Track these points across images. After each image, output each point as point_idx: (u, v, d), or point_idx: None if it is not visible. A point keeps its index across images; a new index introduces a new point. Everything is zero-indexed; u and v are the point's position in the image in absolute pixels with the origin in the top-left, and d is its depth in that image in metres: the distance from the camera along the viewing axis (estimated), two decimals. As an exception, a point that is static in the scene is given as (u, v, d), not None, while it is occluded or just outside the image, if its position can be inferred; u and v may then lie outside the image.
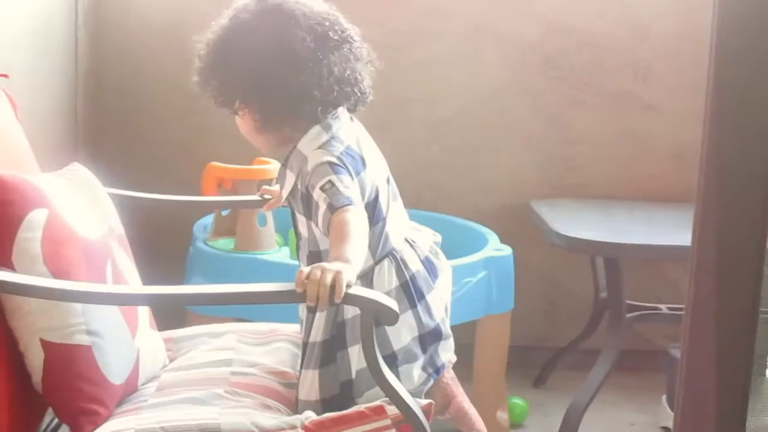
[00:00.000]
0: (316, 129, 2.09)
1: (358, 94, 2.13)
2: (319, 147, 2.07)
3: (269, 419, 1.95)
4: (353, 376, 2.07)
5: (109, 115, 3.73)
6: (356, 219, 1.95)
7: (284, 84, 2.06)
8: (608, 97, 3.72)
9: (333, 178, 2.00)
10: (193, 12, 3.56)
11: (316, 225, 2.05)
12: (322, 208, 1.98)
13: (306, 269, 1.80)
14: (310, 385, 2.08)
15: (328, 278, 1.77)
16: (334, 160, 2.04)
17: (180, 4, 3.63)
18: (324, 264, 1.81)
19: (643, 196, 3.70)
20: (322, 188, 1.99)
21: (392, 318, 1.85)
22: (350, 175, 2.03)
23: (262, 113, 2.11)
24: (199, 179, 3.08)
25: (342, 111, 2.14)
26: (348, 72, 2.10)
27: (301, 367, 2.12)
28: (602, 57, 3.69)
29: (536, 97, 3.72)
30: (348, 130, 2.13)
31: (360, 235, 1.93)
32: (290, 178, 2.12)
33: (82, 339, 1.97)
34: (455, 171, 3.74)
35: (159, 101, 3.67)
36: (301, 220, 2.14)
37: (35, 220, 1.96)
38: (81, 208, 2.13)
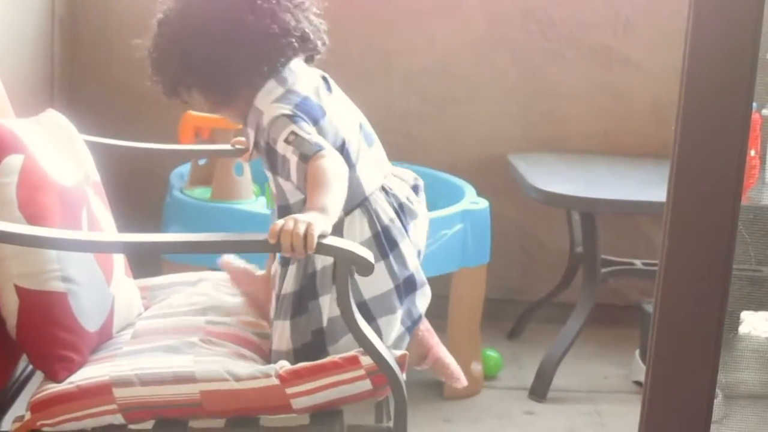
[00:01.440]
0: (271, 83, 2.08)
1: (310, 44, 2.11)
2: (275, 101, 2.06)
3: (244, 368, 1.95)
4: (324, 324, 2.07)
5: (86, 62, 3.70)
6: (332, 164, 1.94)
7: (217, 62, 2.05)
8: (587, 51, 3.71)
9: (294, 128, 1.99)
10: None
11: (285, 179, 2.04)
12: (293, 160, 1.97)
13: (280, 221, 1.80)
14: (281, 335, 2.08)
15: (301, 229, 1.77)
16: (289, 111, 2.02)
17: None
18: (297, 215, 1.81)
19: (620, 150, 3.71)
20: (286, 141, 1.98)
21: (367, 269, 1.85)
22: (308, 123, 2.01)
23: (211, 93, 2.12)
24: (177, 128, 3.07)
25: (297, 63, 2.11)
26: (274, 25, 2.06)
27: (274, 318, 2.12)
28: (582, 10, 3.68)
29: (515, 49, 3.70)
30: (305, 83, 2.11)
31: (337, 180, 1.92)
32: (251, 135, 2.11)
33: (57, 286, 1.96)
34: (433, 123, 3.74)
35: (136, 49, 3.64)
36: (268, 175, 2.12)
37: (10, 165, 1.94)
38: (56, 154, 2.11)
